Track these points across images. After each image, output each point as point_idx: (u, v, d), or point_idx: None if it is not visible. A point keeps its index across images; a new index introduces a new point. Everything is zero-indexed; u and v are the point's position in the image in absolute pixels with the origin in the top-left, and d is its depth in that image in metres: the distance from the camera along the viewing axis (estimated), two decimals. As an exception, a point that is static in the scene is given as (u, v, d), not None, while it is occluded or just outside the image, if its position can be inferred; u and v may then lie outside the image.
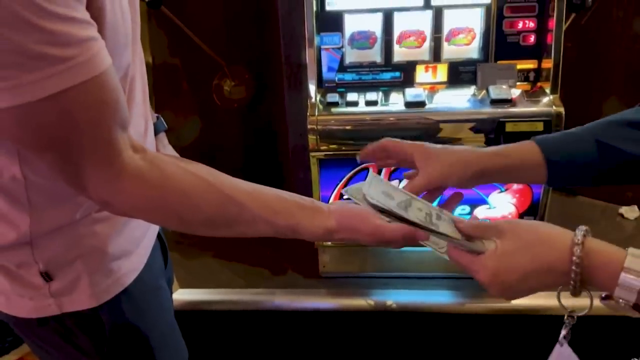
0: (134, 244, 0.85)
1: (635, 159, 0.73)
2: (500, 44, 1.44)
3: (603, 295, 0.60)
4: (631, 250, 0.58)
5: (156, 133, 0.97)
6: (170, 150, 1.04)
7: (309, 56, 1.45)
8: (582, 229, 0.59)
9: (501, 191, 1.52)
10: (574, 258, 0.58)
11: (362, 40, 1.48)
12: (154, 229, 0.92)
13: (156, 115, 1.00)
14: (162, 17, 1.65)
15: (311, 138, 1.45)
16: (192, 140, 1.94)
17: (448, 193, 0.82)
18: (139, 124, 0.80)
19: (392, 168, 1.48)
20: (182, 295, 1.63)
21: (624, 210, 1.92)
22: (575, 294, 0.60)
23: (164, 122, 1.02)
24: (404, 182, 0.81)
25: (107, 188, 0.64)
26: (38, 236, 0.74)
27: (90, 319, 0.81)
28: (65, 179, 0.64)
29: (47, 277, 0.76)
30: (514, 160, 0.75)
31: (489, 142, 1.41)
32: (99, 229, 0.78)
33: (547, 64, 1.44)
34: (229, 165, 1.97)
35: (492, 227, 0.64)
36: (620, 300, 0.57)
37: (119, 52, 0.66)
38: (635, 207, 1.92)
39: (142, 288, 0.85)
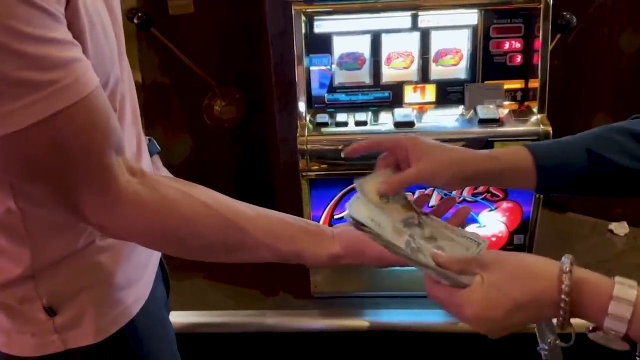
0: (140, 271, 0.82)
1: (624, 170, 0.72)
2: (487, 65, 1.46)
3: (590, 328, 0.58)
4: (618, 278, 0.56)
5: (150, 156, 0.96)
6: (165, 172, 1.02)
7: (299, 77, 1.46)
8: (568, 257, 0.58)
9: (491, 210, 1.52)
10: (564, 287, 0.56)
11: (351, 61, 1.49)
12: (157, 254, 0.89)
13: (148, 138, 0.99)
14: (152, 36, 1.66)
15: (301, 159, 1.45)
16: (183, 159, 1.93)
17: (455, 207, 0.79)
18: (131, 143, 0.79)
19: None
20: (171, 318, 1.61)
21: (613, 226, 1.93)
22: (564, 326, 0.57)
23: (157, 145, 1.01)
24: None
25: (104, 214, 0.62)
26: (41, 269, 0.71)
27: (92, 352, 0.77)
28: (61, 207, 0.63)
29: (51, 312, 0.73)
30: (506, 165, 0.75)
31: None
32: (104, 259, 0.75)
33: (534, 83, 1.46)
34: (220, 184, 1.95)
35: (474, 261, 0.62)
36: (611, 332, 0.55)
37: (105, 71, 0.64)
38: (625, 223, 1.93)
39: (148, 318, 0.82)
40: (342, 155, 0.81)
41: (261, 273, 1.76)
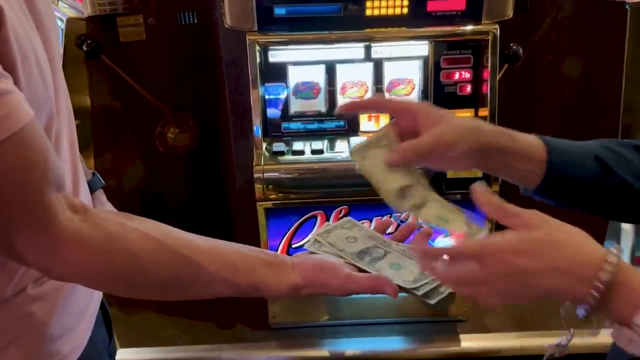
0: (77, 318, 0.76)
1: (629, 188, 0.68)
2: (438, 94, 1.49)
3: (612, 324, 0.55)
4: None
5: (92, 191, 0.92)
6: (109, 208, 0.98)
7: (254, 105, 1.45)
8: (614, 244, 0.55)
9: (446, 235, 1.55)
10: (606, 266, 0.53)
11: (306, 90, 1.50)
12: (98, 297, 0.84)
13: (92, 171, 0.95)
14: (103, 62, 1.62)
15: (258, 187, 1.44)
16: (136, 187, 1.88)
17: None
18: (67, 180, 0.74)
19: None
20: (122, 355, 1.53)
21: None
22: (591, 312, 0.53)
23: (101, 179, 0.97)
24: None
25: (45, 255, 0.58)
26: None
27: None
28: None
29: None
30: (520, 146, 0.69)
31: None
32: (36, 308, 0.69)
33: (484, 112, 1.50)
34: (174, 213, 1.93)
35: (519, 217, 0.57)
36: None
37: (38, 105, 0.61)
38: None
39: None
40: (335, 113, 0.75)
41: (216, 304, 1.68)
